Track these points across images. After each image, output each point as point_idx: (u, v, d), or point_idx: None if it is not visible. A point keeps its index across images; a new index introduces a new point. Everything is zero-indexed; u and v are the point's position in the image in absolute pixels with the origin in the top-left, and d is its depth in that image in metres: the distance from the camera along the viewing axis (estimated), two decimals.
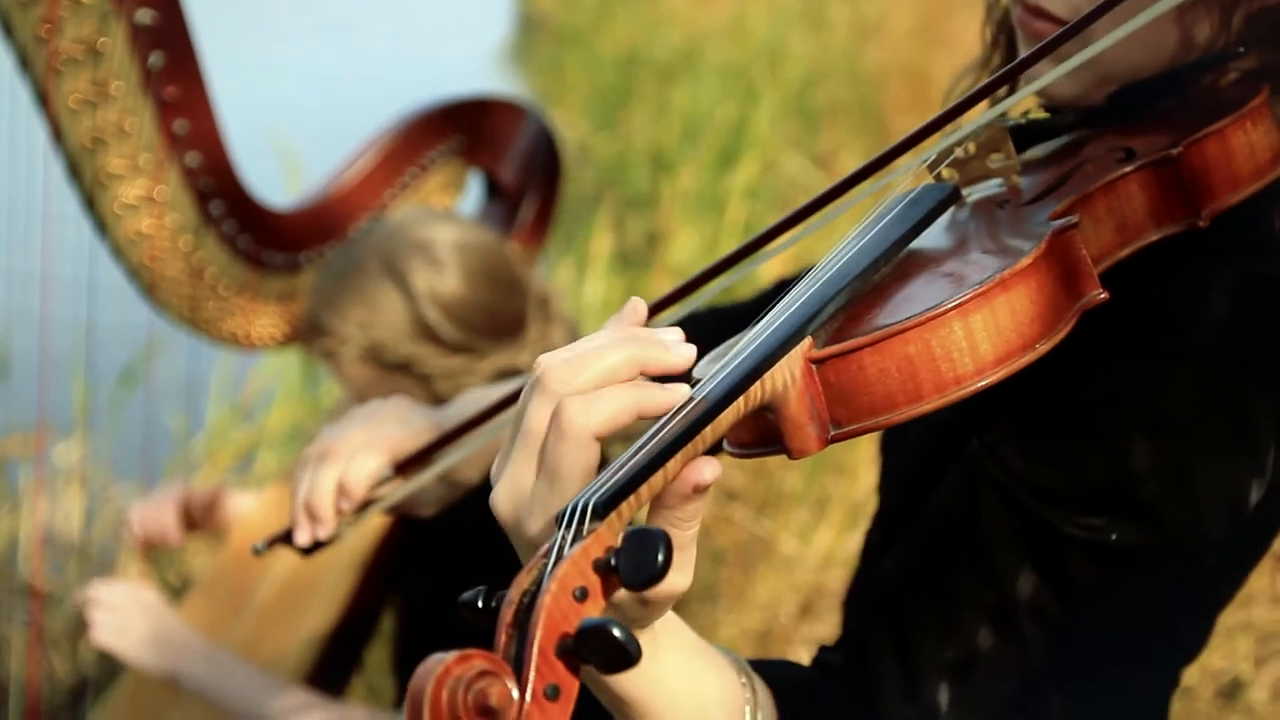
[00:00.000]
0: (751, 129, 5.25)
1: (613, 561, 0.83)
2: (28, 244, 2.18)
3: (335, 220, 2.31)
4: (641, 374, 0.95)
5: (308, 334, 2.15)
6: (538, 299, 2.22)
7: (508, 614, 0.83)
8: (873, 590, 1.26)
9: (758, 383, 0.96)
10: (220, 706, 2.13)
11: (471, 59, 10.65)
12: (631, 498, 0.88)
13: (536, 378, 0.95)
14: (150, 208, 2.07)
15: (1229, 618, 3.25)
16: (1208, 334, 1.13)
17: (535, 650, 0.79)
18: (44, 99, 1.94)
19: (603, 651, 0.79)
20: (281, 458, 4.20)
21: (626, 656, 0.79)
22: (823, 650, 1.27)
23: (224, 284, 2.19)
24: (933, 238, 1.14)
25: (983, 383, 0.98)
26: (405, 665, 2.27)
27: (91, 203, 2.04)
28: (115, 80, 1.97)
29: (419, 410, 1.57)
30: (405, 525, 2.28)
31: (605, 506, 0.87)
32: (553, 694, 0.79)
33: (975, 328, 0.98)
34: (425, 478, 1.51)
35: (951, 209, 1.19)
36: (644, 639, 0.98)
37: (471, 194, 2.50)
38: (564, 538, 0.86)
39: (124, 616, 2.17)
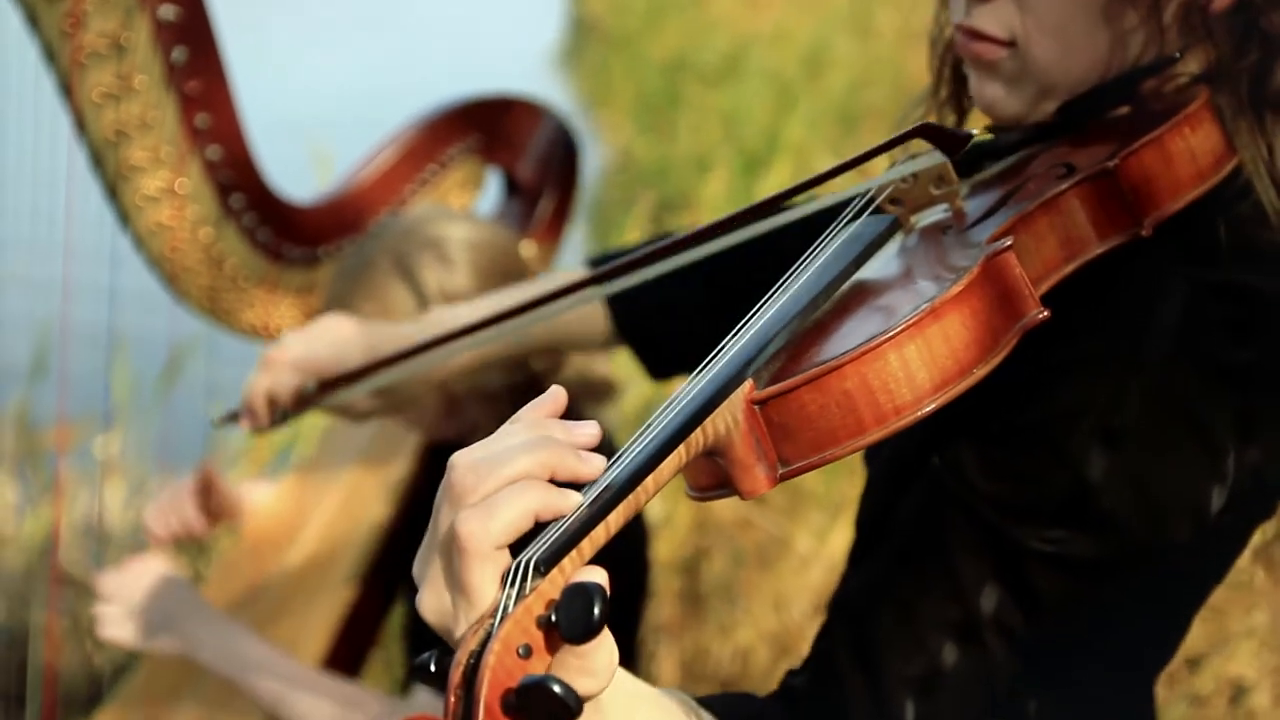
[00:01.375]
0: (786, 133, 5.26)
1: (553, 617, 0.86)
2: (76, 244, 2.23)
3: (354, 215, 2.34)
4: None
5: None
6: None
7: (456, 675, 0.85)
8: (839, 607, 1.26)
9: (698, 430, 0.97)
10: (231, 677, 2.15)
11: (521, 60, 10.71)
12: (574, 553, 0.91)
13: (445, 480, 0.95)
14: (171, 200, 2.11)
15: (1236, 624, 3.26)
16: (1159, 344, 1.13)
17: (481, 709, 0.82)
18: (68, 92, 1.98)
19: (545, 707, 0.82)
20: None
21: (567, 710, 0.82)
22: (788, 674, 1.28)
23: (243, 276, 2.23)
24: (878, 267, 1.15)
25: (923, 411, 0.99)
26: (415, 637, 2.30)
27: (114, 194, 2.08)
28: (139, 74, 2.01)
29: (359, 332, 1.83)
30: (418, 507, 2.31)
31: (547, 564, 0.89)
32: None
33: (910, 358, 0.99)
34: (350, 394, 1.81)
35: (901, 237, 1.21)
36: (591, 707, 0.98)
37: (490, 191, 2.53)
38: (508, 595, 0.88)
39: (129, 603, 2.19)
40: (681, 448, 0.97)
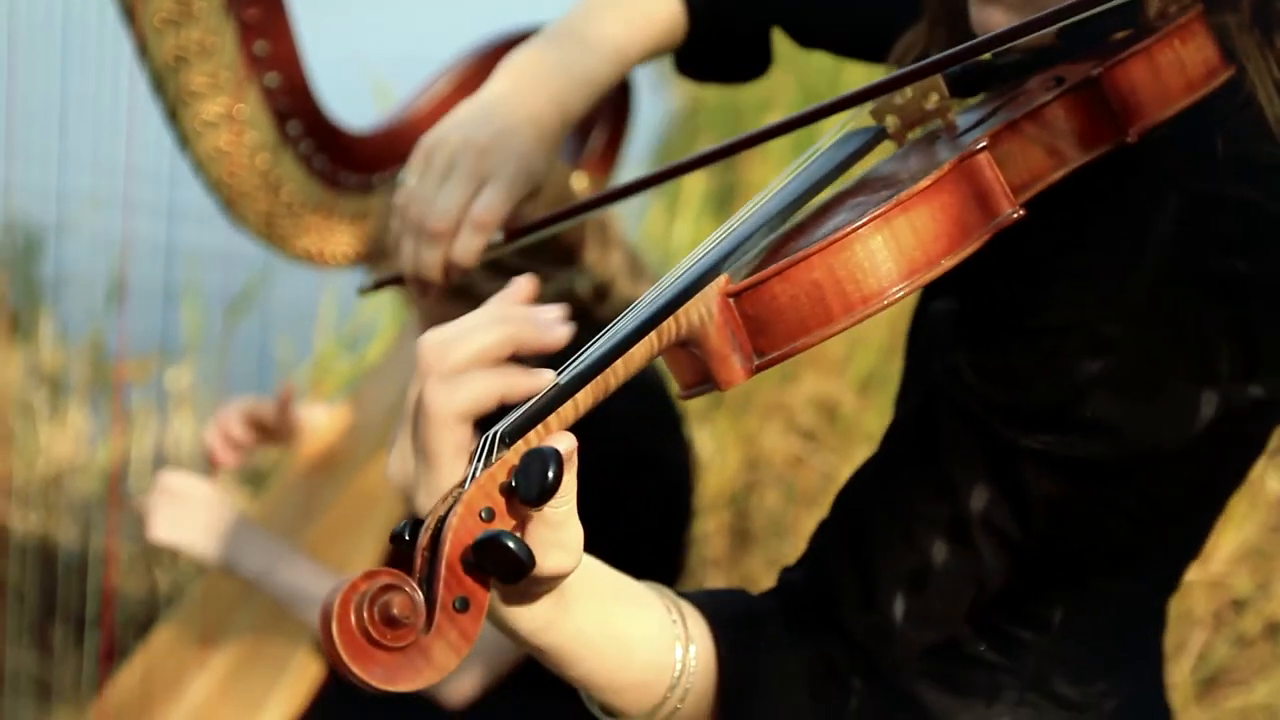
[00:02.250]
0: (847, 75, 5.24)
1: (513, 482, 0.92)
2: (147, 170, 2.28)
3: (408, 144, 2.32)
4: (517, 353, 1.01)
5: (374, 259, 2.22)
6: (596, 224, 2.26)
7: (424, 538, 0.91)
8: (836, 504, 1.29)
9: (670, 319, 1.03)
10: (280, 599, 2.20)
11: None
12: (540, 427, 0.97)
13: (416, 356, 1.01)
14: (229, 125, 2.14)
15: None
16: (1151, 254, 1.15)
17: (444, 566, 0.88)
18: (130, 16, 2.02)
19: (499, 560, 0.87)
20: None
21: (519, 564, 0.87)
22: (785, 570, 1.31)
23: (299, 202, 2.26)
24: (867, 173, 1.19)
25: (888, 300, 1.03)
26: None
27: (174, 118, 2.12)
28: (198, 1, 2.05)
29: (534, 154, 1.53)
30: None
31: (512, 436, 0.95)
32: (462, 606, 0.88)
33: (875, 249, 1.03)
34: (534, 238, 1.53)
35: (894, 149, 1.23)
36: (553, 598, 1.06)
37: None
38: (475, 465, 0.94)
39: (180, 508, 2.25)
40: (653, 334, 1.02)
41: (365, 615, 0.85)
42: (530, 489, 0.91)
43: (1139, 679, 1.45)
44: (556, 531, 0.98)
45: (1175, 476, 1.24)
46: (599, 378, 0.99)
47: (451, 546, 0.88)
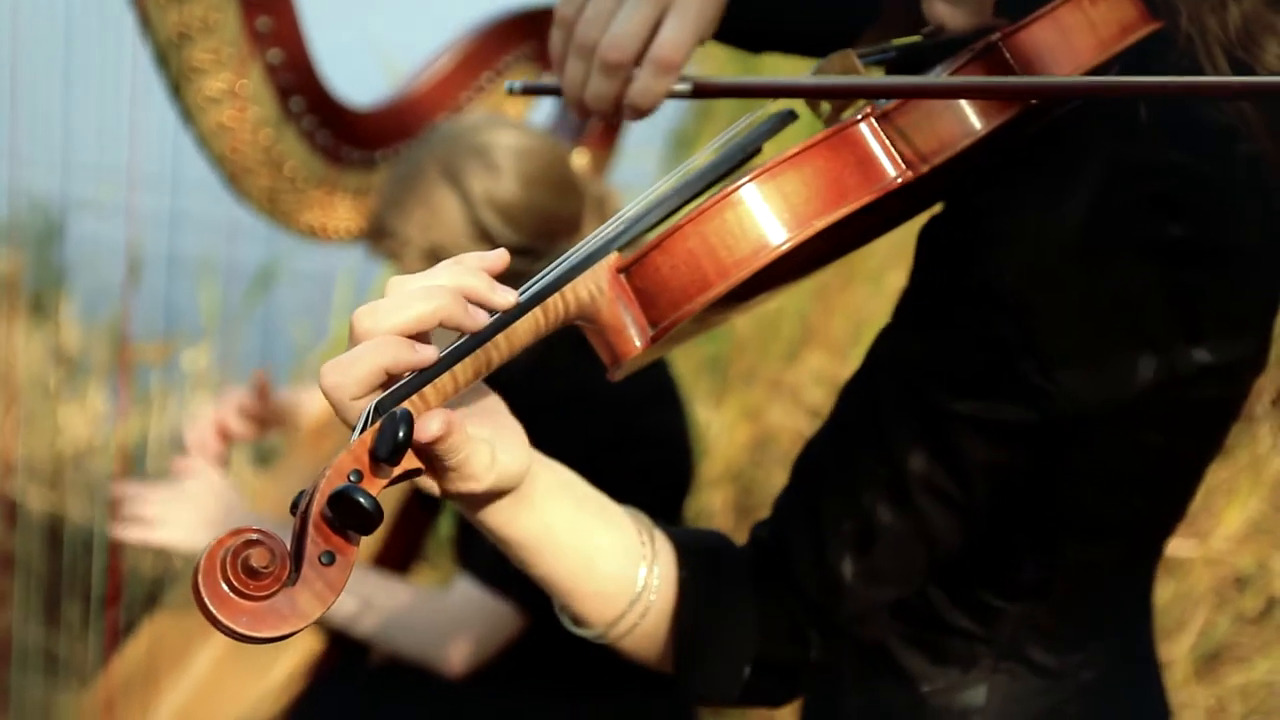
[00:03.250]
0: None
1: (373, 445, 0.96)
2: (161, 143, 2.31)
3: (412, 120, 2.39)
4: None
5: (373, 236, 2.24)
6: (594, 200, 2.28)
7: (303, 503, 0.96)
8: (796, 463, 1.32)
9: (557, 295, 1.07)
10: None
11: None
12: (416, 398, 1.01)
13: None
14: (233, 101, 2.17)
15: None
16: (1071, 221, 1.16)
17: (311, 524, 0.94)
18: None
19: (349, 512, 0.93)
20: None
21: (366, 514, 0.93)
22: (755, 525, 1.34)
23: (302, 177, 2.28)
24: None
25: (762, 261, 1.07)
26: (464, 546, 2.37)
27: (177, 93, 2.14)
28: None
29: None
30: None
31: (386, 406, 1.00)
32: (328, 559, 0.94)
33: (744, 214, 1.07)
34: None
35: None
36: (513, 498, 1.15)
37: (546, 100, 2.56)
38: (353, 434, 0.99)
39: (172, 508, 2.25)
40: (538, 311, 1.06)
41: (228, 567, 0.91)
42: (382, 448, 0.96)
43: (1122, 650, 1.45)
44: (456, 471, 1.06)
45: (1126, 441, 1.25)
46: (479, 351, 1.04)
47: (317, 505, 0.94)
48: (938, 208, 1.28)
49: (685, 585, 1.26)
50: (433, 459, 1.05)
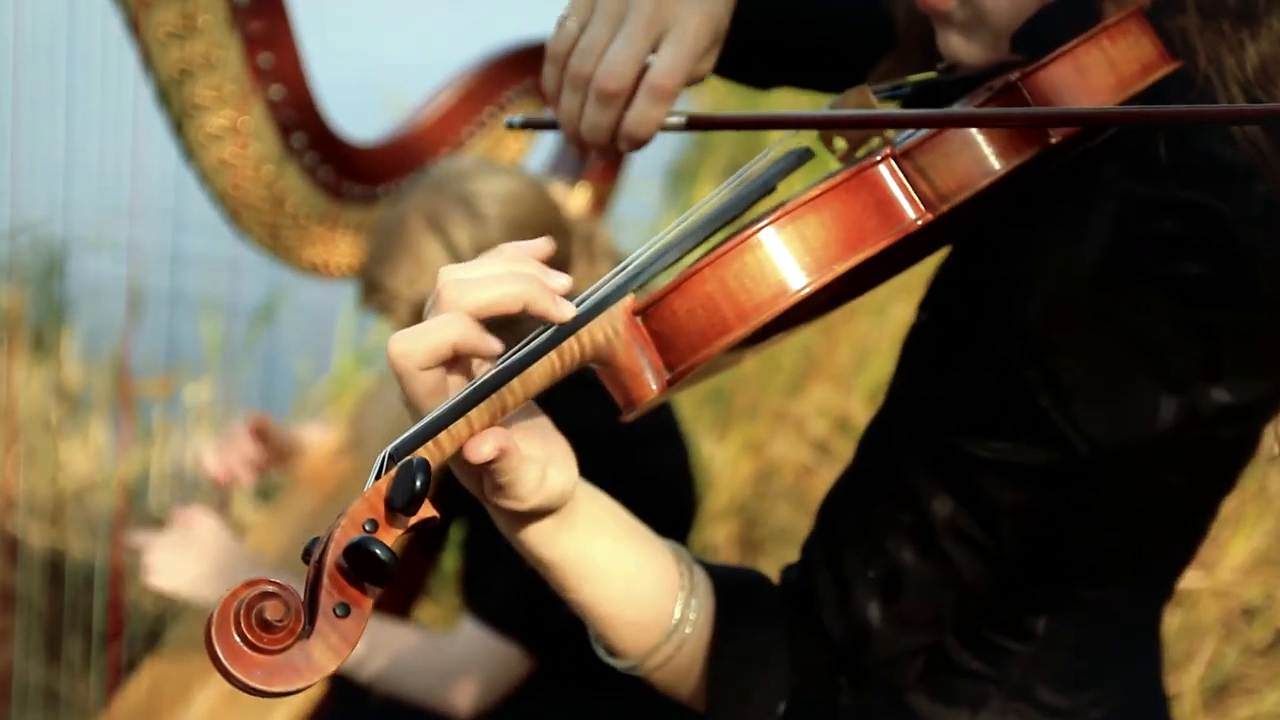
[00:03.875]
0: None
1: (388, 493, 0.95)
2: (160, 184, 2.31)
3: (413, 155, 2.39)
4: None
5: (364, 292, 2.24)
6: (582, 238, 2.27)
7: (316, 551, 0.94)
8: (820, 509, 1.31)
9: (573, 339, 1.05)
10: None
11: None
12: (430, 444, 0.99)
13: (434, 293, 1.05)
14: (234, 137, 2.17)
15: None
16: (1089, 258, 1.15)
17: (325, 574, 0.92)
18: (135, 29, 2.05)
19: (365, 564, 0.91)
20: None
21: (383, 566, 0.91)
22: (786, 568, 1.32)
23: (304, 213, 2.28)
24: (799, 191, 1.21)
25: (781, 305, 1.05)
26: (471, 587, 2.35)
27: (179, 130, 2.14)
28: (203, 14, 2.07)
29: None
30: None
31: (400, 453, 0.99)
32: (343, 611, 0.92)
33: (764, 258, 1.05)
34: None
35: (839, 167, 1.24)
36: (557, 519, 1.13)
37: (548, 135, 2.56)
38: (367, 482, 0.97)
39: (175, 555, 2.25)
40: (553, 354, 1.04)
41: (242, 620, 0.89)
42: (398, 497, 0.94)
43: (1131, 689, 1.44)
44: (506, 489, 1.06)
45: (1147, 482, 1.24)
46: (494, 396, 1.02)
47: (331, 556, 0.92)
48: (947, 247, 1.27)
49: (722, 621, 1.25)
50: (481, 476, 1.05)
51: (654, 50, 1.26)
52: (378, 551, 0.90)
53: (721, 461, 3.80)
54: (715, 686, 1.26)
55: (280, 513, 2.60)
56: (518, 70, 2.47)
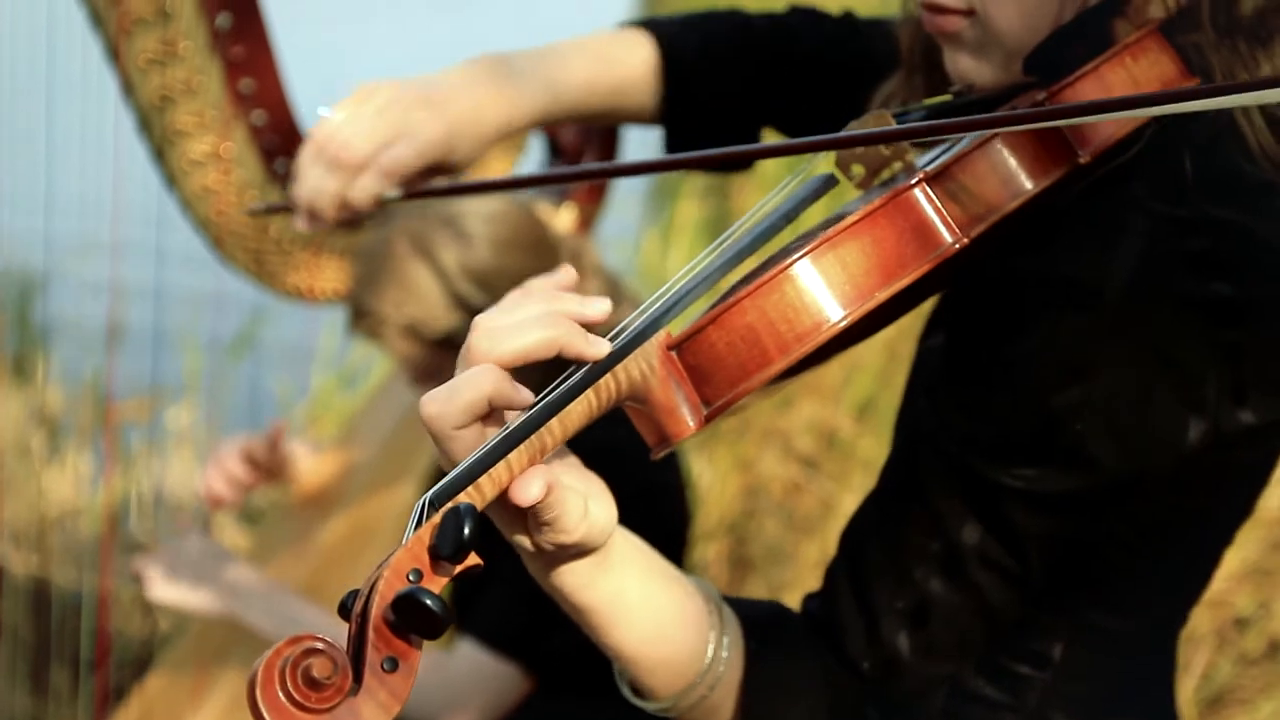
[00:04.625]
0: None
1: (433, 541, 0.93)
2: (139, 214, 2.29)
3: None
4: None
5: (351, 318, 2.22)
6: (570, 254, 2.26)
7: (358, 605, 0.92)
8: (843, 539, 1.30)
9: (609, 375, 1.03)
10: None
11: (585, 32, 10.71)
12: (472, 489, 0.98)
13: (465, 344, 1.05)
14: (217, 164, 2.14)
15: None
16: (1120, 279, 1.14)
17: (370, 628, 0.89)
18: (115, 56, 2.02)
19: (416, 617, 0.89)
20: None
21: (433, 617, 0.89)
22: (807, 597, 1.31)
23: (288, 239, 2.25)
24: (825, 219, 1.18)
25: (823, 335, 1.04)
26: (468, 607, 2.34)
27: (160, 157, 2.12)
28: (183, 40, 2.04)
29: (447, 131, 1.56)
30: None
31: (440, 500, 0.97)
32: (390, 666, 0.90)
33: (804, 288, 1.04)
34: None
35: (860, 195, 1.24)
36: (594, 559, 1.11)
37: (532, 154, 2.55)
38: (408, 531, 0.96)
39: (175, 568, 2.25)
40: (590, 392, 1.03)
41: (288, 678, 0.86)
42: (444, 545, 0.93)
43: (1147, 714, 1.43)
44: (551, 525, 1.04)
45: (1170, 506, 1.24)
46: (533, 437, 1.00)
47: (377, 608, 0.90)
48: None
49: (753, 658, 1.23)
50: (520, 518, 1.04)
51: (391, 143, 1.53)
52: (429, 603, 0.88)
53: (710, 479, 3.79)
54: None
55: (273, 531, 2.59)
56: None
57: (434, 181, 1.60)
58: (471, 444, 1.02)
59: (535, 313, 1.04)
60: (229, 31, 2.07)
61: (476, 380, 1.00)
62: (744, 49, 1.66)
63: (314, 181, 1.57)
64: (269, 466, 2.52)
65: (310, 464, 2.59)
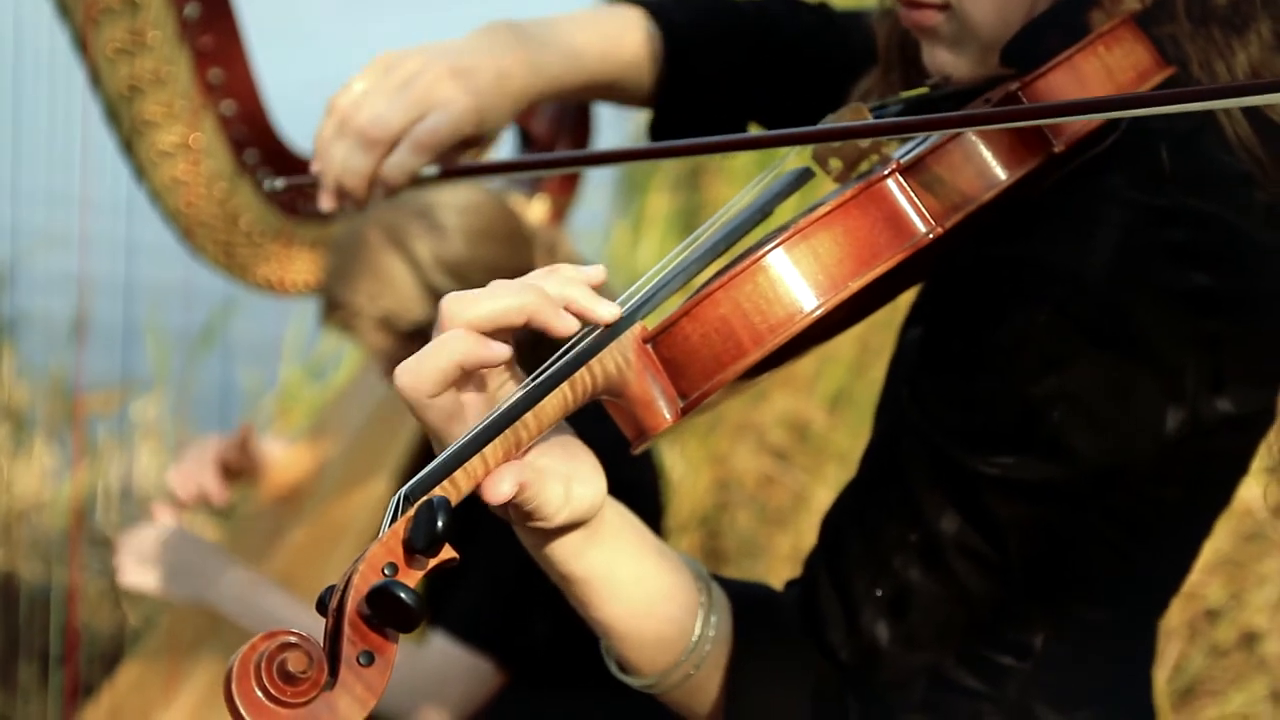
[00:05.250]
0: None
1: (407, 534, 0.93)
2: (106, 205, 2.26)
3: None
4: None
5: (324, 309, 2.20)
6: (545, 246, 2.25)
7: (334, 600, 0.92)
8: (822, 529, 1.30)
9: (583, 369, 1.03)
10: (255, 628, 2.18)
11: None
12: (446, 483, 0.98)
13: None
14: (186, 154, 2.12)
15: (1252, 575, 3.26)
16: (1096, 269, 1.15)
17: (346, 622, 0.90)
18: (83, 47, 2.01)
19: (391, 610, 0.89)
20: None
21: (408, 610, 0.89)
22: (788, 583, 1.32)
23: (259, 231, 2.23)
24: (801, 211, 1.19)
25: (797, 326, 1.04)
26: (441, 601, 2.33)
27: (129, 148, 2.10)
28: (152, 30, 2.02)
29: (476, 103, 1.49)
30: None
31: (415, 494, 0.97)
32: (366, 659, 0.90)
33: (776, 278, 1.04)
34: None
35: (838, 188, 1.23)
36: (584, 532, 1.11)
37: (504, 146, 2.54)
38: (383, 525, 0.96)
39: (147, 553, 2.23)
40: (565, 386, 1.02)
41: (263, 672, 0.87)
42: (418, 539, 0.93)
43: (1127, 707, 1.44)
44: (532, 515, 1.05)
45: (1147, 496, 1.24)
46: (508, 431, 1.00)
47: (352, 602, 0.90)
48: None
49: (741, 638, 1.23)
50: (505, 508, 1.03)
51: (423, 117, 1.46)
52: (403, 595, 0.89)
53: (682, 472, 3.79)
54: (736, 703, 1.24)
55: (245, 526, 2.57)
56: None
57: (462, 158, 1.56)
58: (450, 412, 1.02)
59: (512, 281, 1.03)
60: (197, 21, 2.06)
61: (446, 344, 1.00)
62: (734, 33, 1.64)
63: (342, 158, 1.48)
64: (239, 468, 2.50)
65: (281, 459, 2.57)
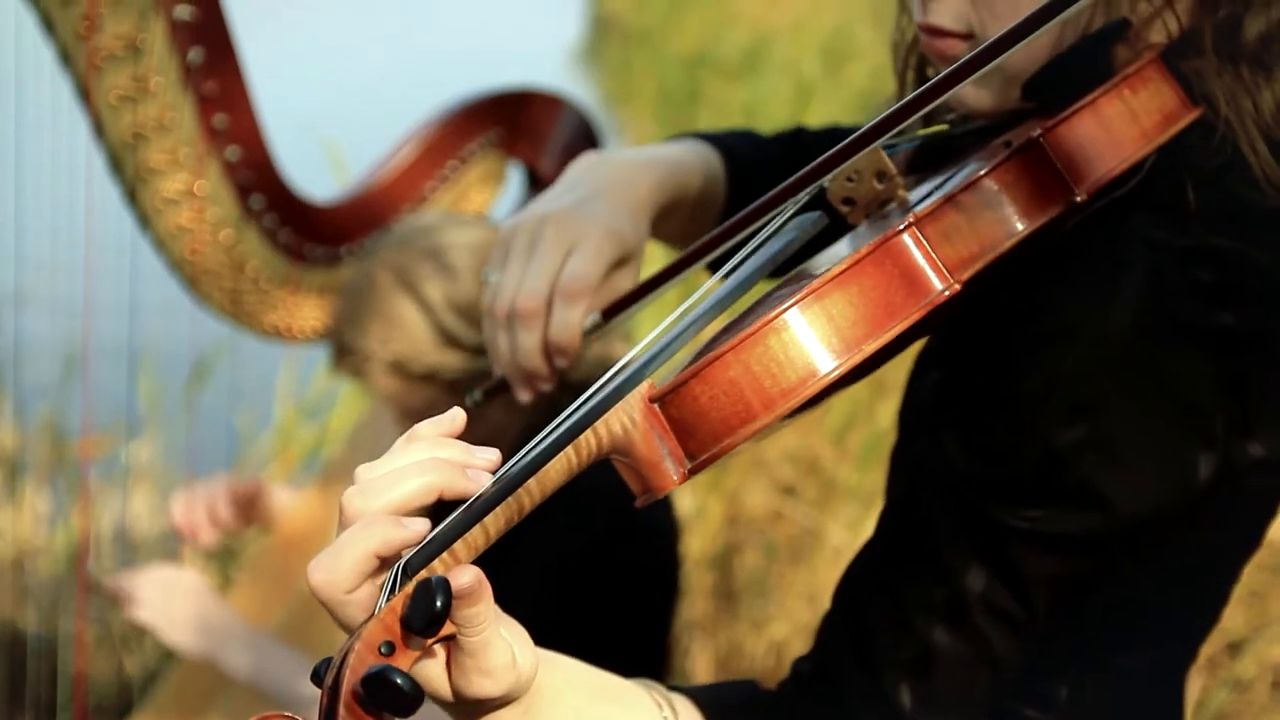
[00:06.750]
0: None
1: (406, 614, 0.90)
2: (102, 247, 2.23)
3: (376, 213, 2.33)
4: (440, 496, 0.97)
5: (335, 356, 2.17)
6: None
7: (329, 676, 0.89)
8: (837, 592, 1.26)
9: (588, 432, 0.98)
10: (263, 691, 2.16)
11: (541, 58, 10.76)
12: (446, 555, 0.94)
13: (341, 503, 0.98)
14: (191, 202, 2.11)
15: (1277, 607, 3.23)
16: (1123, 313, 1.12)
17: (341, 704, 0.86)
18: (85, 95, 1.98)
19: (386, 695, 0.86)
20: None
21: (405, 697, 0.86)
22: (797, 661, 1.27)
23: (265, 277, 2.22)
24: (813, 260, 1.17)
25: (809, 390, 0.99)
26: None
27: (133, 197, 2.08)
28: (155, 76, 2.01)
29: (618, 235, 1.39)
30: (441, 507, 2.31)
31: (416, 567, 0.93)
32: None
33: (789, 341, 0.99)
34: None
35: (853, 233, 1.21)
36: (519, 708, 1.03)
37: (512, 186, 2.52)
38: (381, 599, 0.92)
39: (166, 597, 2.20)
40: (570, 449, 0.98)
41: None
42: (416, 619, 0.89)
43: None
44: (475, 658, 0.96)
45: (1179, 543, 1.21)
46: (510, 499, 0.96)
47: (347, 684, 0.87)
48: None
49: None
50: (452, 637, 0.96)
51: (563, 267, 1.37)
52: (399, 682, 0.86)
53: (693, 511, 3.77)
54: None
55: (252, 575, 2.54)
56: (479, 122, 2.42)
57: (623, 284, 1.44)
58: (368, 605, 0.95)
59: (412, 459, 0.97)
60: (201, 66, 2.04)
61: (359, 536, 0.94)
62: (780, 162, 1.61)
63: (508, 348, 1.41)
64: (248, 515, 2.47)
65: (291, 506, 2.54)
